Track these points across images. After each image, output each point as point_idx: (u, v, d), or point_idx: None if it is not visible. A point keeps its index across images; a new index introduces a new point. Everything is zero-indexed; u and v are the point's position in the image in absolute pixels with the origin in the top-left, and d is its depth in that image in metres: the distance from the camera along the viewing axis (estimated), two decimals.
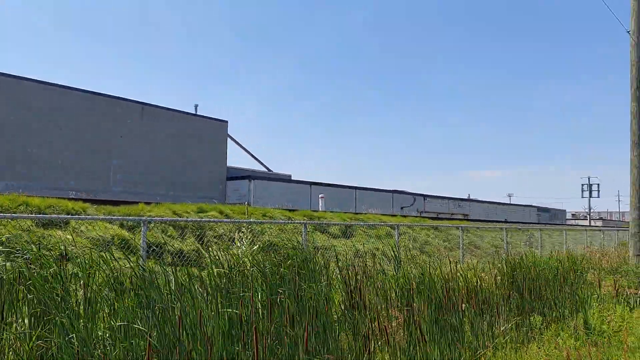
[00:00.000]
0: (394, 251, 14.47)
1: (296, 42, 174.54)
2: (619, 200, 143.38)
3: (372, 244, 14.36)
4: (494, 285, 7.06)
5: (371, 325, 4.66)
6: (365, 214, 20.20)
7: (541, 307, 7.26)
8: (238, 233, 9.47)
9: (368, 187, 40.72)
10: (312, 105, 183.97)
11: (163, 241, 9.91)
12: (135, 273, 4.45)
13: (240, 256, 8.80)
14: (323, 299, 5.11)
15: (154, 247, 8.97)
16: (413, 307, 5.17)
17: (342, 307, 5.17)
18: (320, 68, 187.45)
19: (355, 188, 38.95)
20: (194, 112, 30.39)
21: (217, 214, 11.79)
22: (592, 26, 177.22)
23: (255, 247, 8.85)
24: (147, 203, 11.75)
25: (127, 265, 4.77)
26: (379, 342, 4.43)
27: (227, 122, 29.99)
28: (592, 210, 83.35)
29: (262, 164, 36.32)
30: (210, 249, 10.04)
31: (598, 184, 79.15)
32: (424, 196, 48.56)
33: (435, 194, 50.23)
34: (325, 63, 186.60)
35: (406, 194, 45.10)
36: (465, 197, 58.50)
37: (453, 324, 5.41)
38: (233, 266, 6.06)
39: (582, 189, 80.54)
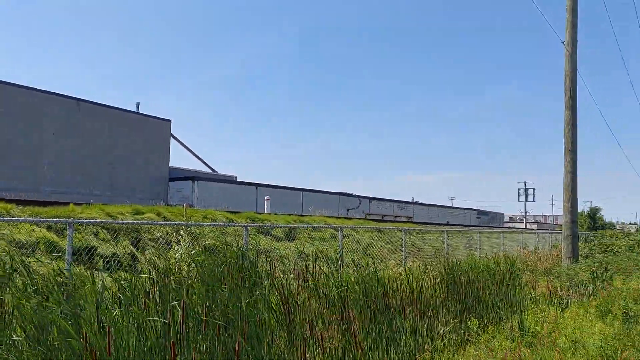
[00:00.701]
0: (336, 254, 14.40)
1: (238, 44, 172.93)
2: (552, 205, 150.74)
3: (316, 246, 14.25)
4: (433, 288, 7.08)
5: (310, 331, 4.50)
6: (311, 215, 20.09)
7: (479, 309, 7.35)
8: (176, 236, 9.07)
9: (315, 189, 40.72)
10: (257, 107, 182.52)
11: (95, 245, 9.37)
12: (51, 280, 4.07)
13: (178, 260, 8.45)
14: (262, 304, 4.91)
15: (84, 251, 8.44)
16: (350, 312, 5.04)
17: (281, 313, 4.97)
18: (264, 72, 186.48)
19: (302, 190, 38.85)
20: (135, 110, 29.31)
21: (154, 216, 11.30)
22: (531, 37, 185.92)
23: (194, 250, 8.50)
24: (78, 204, 11.10)
25: (50, 271, 4.39)
26: (316, 350, 4.27)
27: (170, 121, 29.13)
28: (527, 214, 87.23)
29: (206, 164, 35.55)
30: (145, 252, 9.60)
31: (534, 189, 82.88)
32: (370, 199, 49.12)
33: (380, 197, 50.91)
34: (268, 66, 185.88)
35: (352, 197, 45.44)
36: (409, 200, 59.61)
37: (392, 328, 5.33)
38: (168, 271, 5.76)
39: (519, 193, 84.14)
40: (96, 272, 7.33)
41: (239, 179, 35.73)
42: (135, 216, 11.05)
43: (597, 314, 8.28)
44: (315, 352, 4.20)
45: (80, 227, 9.17)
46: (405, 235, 14.12)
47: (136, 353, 3.95)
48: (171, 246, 9.09)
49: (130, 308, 3.90)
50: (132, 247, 9.35)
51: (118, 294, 4.33)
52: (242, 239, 8.79)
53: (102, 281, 5.57)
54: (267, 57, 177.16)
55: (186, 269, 7.41)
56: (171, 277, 5.76)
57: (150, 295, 5.15)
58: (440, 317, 6.66)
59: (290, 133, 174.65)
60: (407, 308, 5.97)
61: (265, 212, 22.54)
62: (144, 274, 5.55)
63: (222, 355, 3.94)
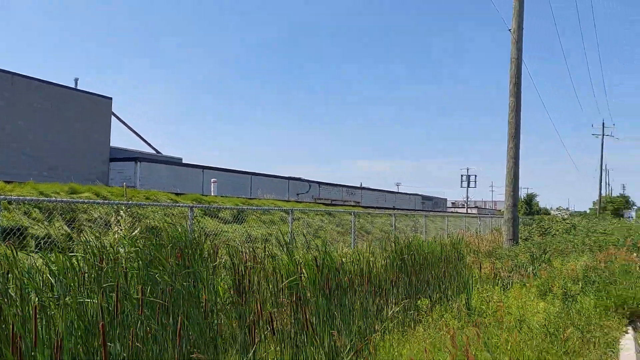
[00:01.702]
0: (286, 237, 14.17)
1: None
2: (492, 191, 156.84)
3: (265, 229, 14.01)
4: (383, 269, 7.03)
5: (259, 313, 4.29)
6: (260, 199, 19.78)
7: (427, 290, 7.39)
8: (116, 217, 8.57)
9: (264, 173, 40.31)
10: (209, 90, 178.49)
11: (26, 224, 8.73)
12: None
13: (117, 241, 7.98)
14: (208, 286, 4.66)
15: (13, 232, 7.83)
16: (301, 293, 4.88)
17: (230, 295, 4.74)
18: (213, 49, 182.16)
19: (251, 174, 38.35)
20: (73, 86, 27.77)
21: (92, 195, 10.66)
22: (480, 22, 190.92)
23: (135, 232, 8.06)
24: (8, 182, 10.32)
25: None
26: (266, 332, 4.08)
27: (111, 99, 27.81)
28: (469, 199, 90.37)
29: (150, 145, 34.35)
30: (82, 233, 9.05)
31: (475, 176, 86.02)
32: (319, 183, 49.16)
33: (329, 182, 51.09)
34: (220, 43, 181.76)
35: (302, 181, 45.34)
36: (358, 186, 60.20)
37: (344, 309, 5.22)
38: (105, 252, 5.38)
39: (462, 179, 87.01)
40: (29, 254, 6.80)
41: (184, 161, 34.79)
42: (72, 195, 10.39)
43: (538, 294, 8.54)
44: (265, 334, 4.01)
45: (9, 206, 8.50)
46: (355, 218, 14.11)
47: (68, 338, 3.63)
48: (110, 227, 8.60)
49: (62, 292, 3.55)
50: (67, 228, 8.78)
51: (48, 276, 3.95)
52: (187, 221, 8.43)
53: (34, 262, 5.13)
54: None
55: (125, 250, 7.02)
56: (108, 259, 5.40)
57: (85, 278, 4.79)
58: (391, 297, 6.62)
59: (240, 116, 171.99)
60: (358, 289, 5.88)
61: (212, 194, 22.00)
62: (79, 255, 5.17)
63: (164, 337, 3.68)
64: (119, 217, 8.69)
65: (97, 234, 5.85)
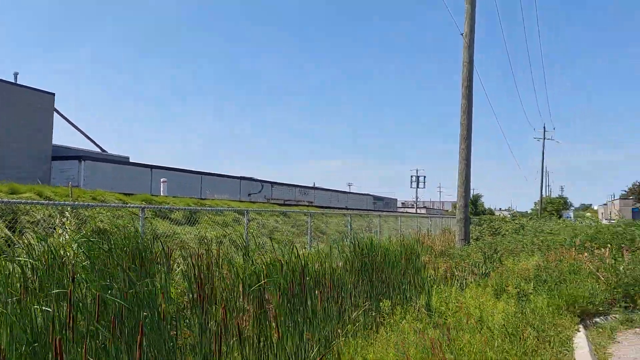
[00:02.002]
0: (242, 238, 13.87)
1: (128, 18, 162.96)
2: (440, 191, 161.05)
3: (219, 231, 13.65)
4: (344, 270, 6.93)
5: (225, 321, 4.06)
6: (212, 199, 19.31)
7: (388, 291, 7.34)
8: (61, 218, 8.05)
9: (215, 172, 39.57)
10: (156, 89, 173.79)
11: None
12: None
13: (63, 245, 7.50)
14: (167, 294, 4.38)
15: None
16: (268, 297, 4.69)
17: (188, 301, 4.48)
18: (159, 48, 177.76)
19: (201, 173, 37.55)
20: (13, 80, 26.23)
21: (34, 195, 10.01)
22: (433, 26, 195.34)
23: (81, 234, 7.59)
24: None
25: None
26: (233, 341, 3.86)
27: (53, 94, 26.46)
28: (418, 200, 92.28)
29: (95, 143, 32.97)
30: (24, 237, 8.46)
31: (424, 176, 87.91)
32: (272, 183, 48.78)
33: (282, 182, 50.81)
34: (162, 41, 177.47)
35: (254, 181, 44.83)
36: (310, 185, 60.22)
37: (307, 314, 5.06)
38: (51, 258, 4.99)
39: (411, 180, 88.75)
40: None
41: (131, 161, 33.60)
42: (11, 196, 9.71)
43: (493, 293, 8.68)
44: (232, 341, 3.79)
45: None
46: (311, 219, 13.98)
47: (11, 352, 3.30)
48: (54, 230, 8.08)
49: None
50: (7, 231, 8.18)
51: None
52: (137, 222, 8.03)
53: None
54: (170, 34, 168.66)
55: (72, 254, 6.60)
56: (55, 265, 5.02)
57: (29, 285, 4.42)
58: (352, 299, 6.53)
59: (191, 116, 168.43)
60: (320, 292, 5.74)
61: (162, 195, 21.30)
62: (23, 260, 4.77)
63: (119, 349, 3.40)
64: (64, 219, 8.18)
65: (41, 237, 5.43)
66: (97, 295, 3.50)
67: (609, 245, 10.09)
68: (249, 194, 43.08)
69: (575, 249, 10.44)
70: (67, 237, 7.61)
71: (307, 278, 5.48)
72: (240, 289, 4.61)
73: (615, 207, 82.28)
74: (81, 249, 5.92)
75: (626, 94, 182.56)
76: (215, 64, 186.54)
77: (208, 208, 11.76)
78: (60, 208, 7.80)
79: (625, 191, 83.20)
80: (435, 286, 8.23)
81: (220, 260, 5.67)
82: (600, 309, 8.64)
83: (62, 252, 6.58)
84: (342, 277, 6.68)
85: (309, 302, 5.24)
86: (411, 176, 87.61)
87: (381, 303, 6.49)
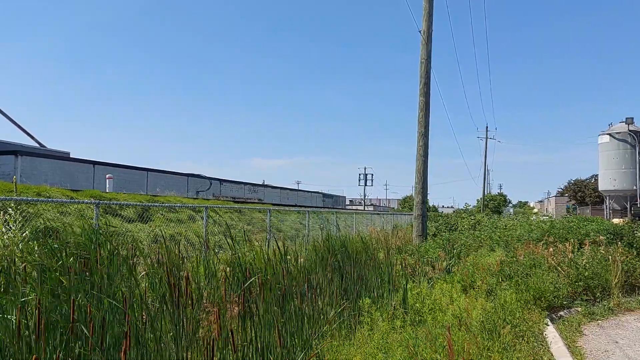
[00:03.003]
0: (197, 236, 13.25)
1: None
2: (386, 189, 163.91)
3: (173, 228, 13.01)
4: (321, 269, 6.64)
5: (219, 329, 3.66)
6: (164, 196, 18.49)
7: (361, 289, 7.11)
8: (4, 215, 7.28)
9: (162, 169, 38.26)
10: (100, 85, 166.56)
11: None
12: None
13: (6, 245, 6.78)
14: (139, 302, 3.93)
15: None
16: (255, 301, 4.33)
17: (159, 305, 4.04)
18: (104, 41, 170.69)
19: (148, 170, 36.21)
20: None
21: None
22: (391, 23, 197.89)
23: (26, 233, 6.89)
24: None
25: None
26: (226, 349, 3.46)
27: None
28: (366, 197, 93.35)
29: (34, 139, 31.04)
30: None
31: (372, 174, 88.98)
32: (221, 181, 47.80)
33: (231, 179, 49.90)
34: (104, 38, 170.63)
35: (203, 178, 43.76)
36: (260, 183, 59.56)
37: (290, 315, 4.73)
38: None
39: (359, 178, 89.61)
40: None
41: (72, 156, 31.91)
42: None
43: (461, 289, 8.64)
44: (225, 352, 3.41)
45: None
46: (270, 216, 13.59)
47: None
48: None
49: None
50: None
51: None
52: (86, 221, 7.38)
53: None
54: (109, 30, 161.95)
55: (19, 256, 5.96)
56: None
57: None
58: (328, 299, 6.24)
59: (139, 114, 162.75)
60: (301, 292, 5.42)
61: (107, 191, 20.23)
62: None
63: None
64: (6, 216, 7.41)
65: None
66: (73, 306, 3.03)
67: (571, 240, 10.33)
68: (197, 192, 41.99)
69: (534, 244, 10.62)
70: (10, 234, 6.89)
71: (292, 278, 5.15)
72: (223, 291, 4.21)
73: (551, 204, 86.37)
74: (29, 249, 5.33)
75: (563, 98, 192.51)
76: (164, 59, 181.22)
77: (165, 204, 11.13)
78: (1, 204, 7.04)
79: (561, 189, 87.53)
80: (410, 284, 8.07)
81: (196, 261, 5.26)
82: (564, 302, 8.80)
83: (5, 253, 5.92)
84: (319, 275, 6.39)
85: (292, 303, 4.90)
86: (359, 174, 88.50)
87: (360, 301, 6.23)
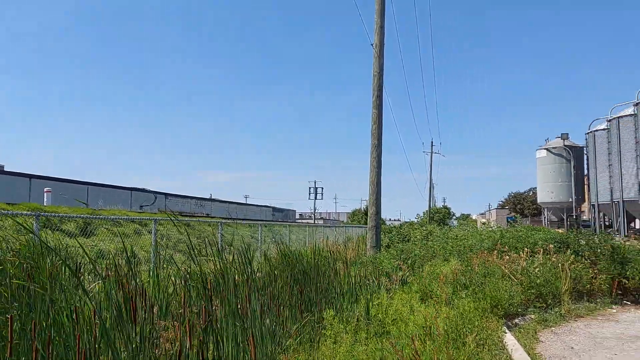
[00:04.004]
0: (144, 251, 12.63)
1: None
2: (336, 203, 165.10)
3: (118, 243, 12.34)
4: (282, 283, 6.39)
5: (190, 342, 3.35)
6: (109, 210, 17.62)
7: (321, 301, 6.90)
8: None
9: (103, 183, 36.78)
10: (40, 92, 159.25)
11: None
12: None
13: None
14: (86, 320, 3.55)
15: None
16: (205, 316, 4.03)
17: (112, 321, 3.68)
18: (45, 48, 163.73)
19: (88, 184, 34.72)
20: None
21: None
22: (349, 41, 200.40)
23: None
24: None
25: None
26: None
27: None
28: (316, 211, 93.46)
29: None
30: None
31: (322, 188, 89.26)
32: (166, 195, 46.50)
33: (177, 193, 48.65)
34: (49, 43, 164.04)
35: (147, 192, 42.41)
36: (207, 197, 58.39)
37: (253, 331, 4.46)
38: None
39: (309, 191, 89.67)
40: None
41: (6, 169, 30.12)
42: None
43: (419, 299, 8.60)
44: None
45: None
46: (221, 229, 13.17)
47: None
48: None
49: None
50: None
51: None
52: (22, 235, 6.81)
53: None
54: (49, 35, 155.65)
55: None
56: None
57: None
58: (290, 311, 6.00)
59: (78, 126, 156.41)
60: (262, 304, 5.15)
61: (45, 205, 19.10)
62: None
63: None
64: None
65: None
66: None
67: (525, 248, 10.56)
68: (141, 206, 40.65)
69: (488, 253, 10.79)
70: None
71: (248, 292, 4.88)
72: (183, 304, 3.90)
73: (492, 216, 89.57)
74: None
75: (504, 114, 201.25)
76: (105, 68, 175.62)
77: (114, 217, 10.53)
78: None
79: (502, 201, 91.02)
80: (372, 294, 7.94)
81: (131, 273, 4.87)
82: (519, 310, 8.94)
83: None
84: (280, 288, 6.13)
85: (253, 317, 4.63)
86: (309, 187, 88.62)
87: (324, 313, 6.02)
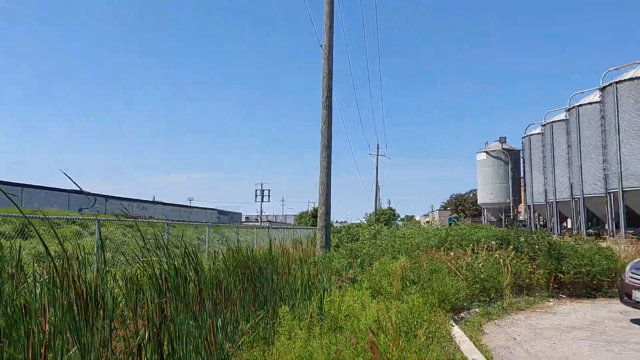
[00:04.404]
0: (86, 253, 12.12)
1: None
2: (282, 205, 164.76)
3: (57, 245, 11.77)
4: (233, 280, 6.31)
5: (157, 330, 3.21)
6: (48, 210, 16.78)
7: (276, 298, 6.87)
8: None
9: (40, 185, 35.06)
10: None
11: None
12: None
13: None
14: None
15: None
16: (157, 311, 3.93)
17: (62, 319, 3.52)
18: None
19: (23, 185, 33.02)
20: None
21: None
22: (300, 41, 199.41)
23: None
24: None
25: None
26: None
27: None
28: (263, 213, 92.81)
29: None
30: None
31: (269, 190, 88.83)
32: (106, 197, 44.91)
33: (119, 195, 47.12)
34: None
35: (86, 194, 40.73)
36: (151, 200, 56.86)
37: (204, 327, 4.38)
38: None
39: (256, 194, 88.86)
40: None
41: None
42: None
43: (370, 295, 8.73)
44: None
45: None
46: (167, 229, 12.84)
47: None
48: None
49: None
50: None
51: None
52: None
53: None
54: None
55: None
56: None
57: None
58: (244, 309, 5.93)
59: (13, 125, 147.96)
60: (215, 303, 5.08)
61: None
62: None
63: None
64: None
65: None
66: None
67: (470, 245, 10.93)
68: (80, 209, 39.07)
69: (435, 250, 11.10)
70: None
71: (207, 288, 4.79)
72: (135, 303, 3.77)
73: (435, 217, 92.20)
74: None
75: (446, 117, 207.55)
76: (38, 64, 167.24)
77: (52, 217, 10.01)
78: None
79: (444, 203, 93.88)
80: (324, 292, 7.97)
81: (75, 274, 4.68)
82: (465, 304, 9.24)
83: None
84: (232, 286, 6.05)
85: (206, 314, 4.55)
86: (256, 190, 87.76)
87: (279, 310, 5.99)
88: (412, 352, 5.59)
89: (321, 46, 16.45)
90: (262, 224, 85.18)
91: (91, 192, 43.10)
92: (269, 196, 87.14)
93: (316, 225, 16.25)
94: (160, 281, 4.23)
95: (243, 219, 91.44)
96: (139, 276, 5.60)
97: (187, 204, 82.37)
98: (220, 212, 71.18)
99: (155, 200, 58.68)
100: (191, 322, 4.31)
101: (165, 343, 3.89)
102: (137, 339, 3.27)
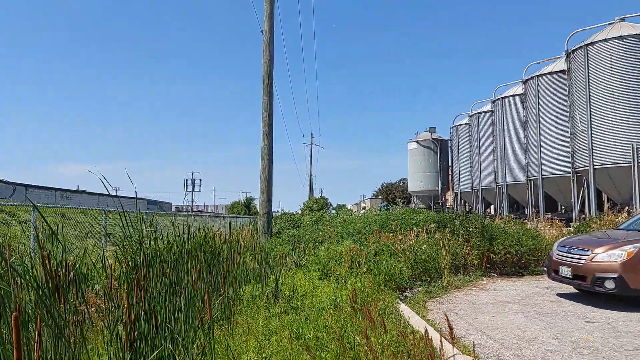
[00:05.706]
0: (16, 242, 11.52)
1: None
2: (214, 195, 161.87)
3: None
4: (185, 264, 6.25)
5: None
6: None
7: (233, 281, 6.91)
8: None
9: None
10: None
11: None
12: None
13: None
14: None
15: None
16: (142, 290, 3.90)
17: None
18: None
19: None
20: None
21: None
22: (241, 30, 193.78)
23: None
24: None
25: None
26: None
27: None
28: (194, 203, 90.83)
29: None
30: None
31: (200, 180, 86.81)
32: (26, 186, 42.30)
33: (40, 184, 44.50)
34: None
35: (4, 183, 38.18)
36: (75, 189, 54.12)
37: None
38: None
39: (186, 183, 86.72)
40: None
41: None
42: None
43: (319, 277, 8.94)
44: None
45: None
46: (105, 217, 12.41)
47: None
48: None
49: None
50: None
51: None
52: None
53: None
54: None
55: None
56: None
57: None
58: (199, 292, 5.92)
59: None
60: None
61: None
62: None
63: None
64: None
65: None
66: None
67: (414, 228, 11.39)
68: None
69: (378, 233, 11.48)
70: None
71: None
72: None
73: (367, 205, 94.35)
74: None
75: (378, 108, 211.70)
76: None
77: None
78: None
79: (375, 192, 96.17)
80: (280, 274, 8.08)
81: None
82: (408, 284, 9.67)
83: None
84: (186, 269, 6.01)
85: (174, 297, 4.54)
86: (186, 179, 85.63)
87: (240, 290, 6.04)
88: (369, 328, 5.83)
89: (262, 32, 16.35)
90: (194, 214, 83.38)
91: (9, 180, 40.42)
92: (200, 185, 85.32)
93: (249, 215, 16.26)
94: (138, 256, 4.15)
95: (173, 209, 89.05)
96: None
97: (113, 193, 79.14)
98: (150, 201, 69.04)
99: (80, 189, 55.96)
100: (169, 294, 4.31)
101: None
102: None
